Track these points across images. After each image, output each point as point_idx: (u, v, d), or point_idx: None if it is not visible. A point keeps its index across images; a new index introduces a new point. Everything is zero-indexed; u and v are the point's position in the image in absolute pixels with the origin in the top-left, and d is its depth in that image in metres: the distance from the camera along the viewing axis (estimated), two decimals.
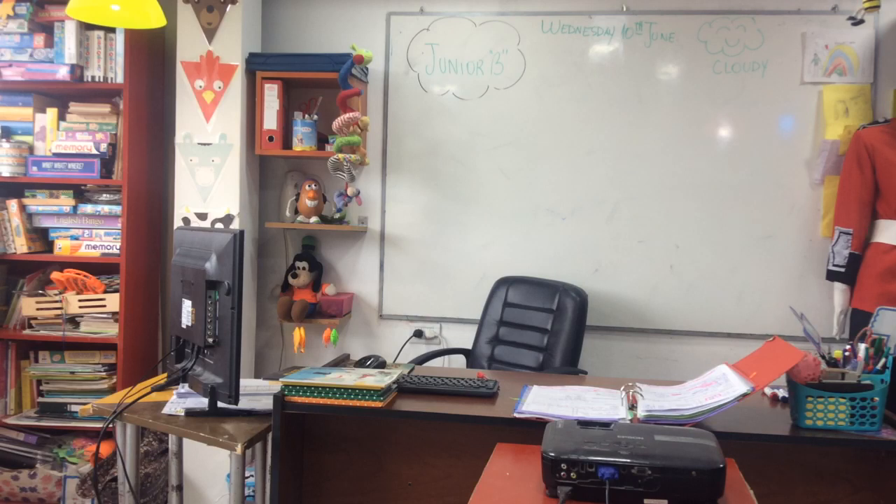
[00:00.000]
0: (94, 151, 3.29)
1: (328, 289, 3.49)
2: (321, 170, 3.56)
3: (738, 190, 3.34)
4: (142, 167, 3.42)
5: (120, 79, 3.28)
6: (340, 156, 3.17)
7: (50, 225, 3.37)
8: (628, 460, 1.33)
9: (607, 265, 3.43)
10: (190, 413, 2.11)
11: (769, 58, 3.30)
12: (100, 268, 3.41)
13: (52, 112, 3.35)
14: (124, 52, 3.27)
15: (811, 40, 3.27)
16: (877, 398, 1.83)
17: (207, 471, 3.32)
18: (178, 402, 2.20)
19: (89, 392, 3.32)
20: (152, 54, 3.49)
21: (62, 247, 3.35)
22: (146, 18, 2.55)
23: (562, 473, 1.35)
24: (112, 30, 3.28)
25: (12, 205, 3.32)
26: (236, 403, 2.02)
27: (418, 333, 3.56)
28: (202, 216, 3.33)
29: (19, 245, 3.32)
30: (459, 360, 3.46)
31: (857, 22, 3.01)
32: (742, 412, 1.97)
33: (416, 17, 3.51)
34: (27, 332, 3.31)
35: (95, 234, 3.35)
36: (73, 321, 3.32)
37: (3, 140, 3.32)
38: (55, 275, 3.29)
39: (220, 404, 2.09)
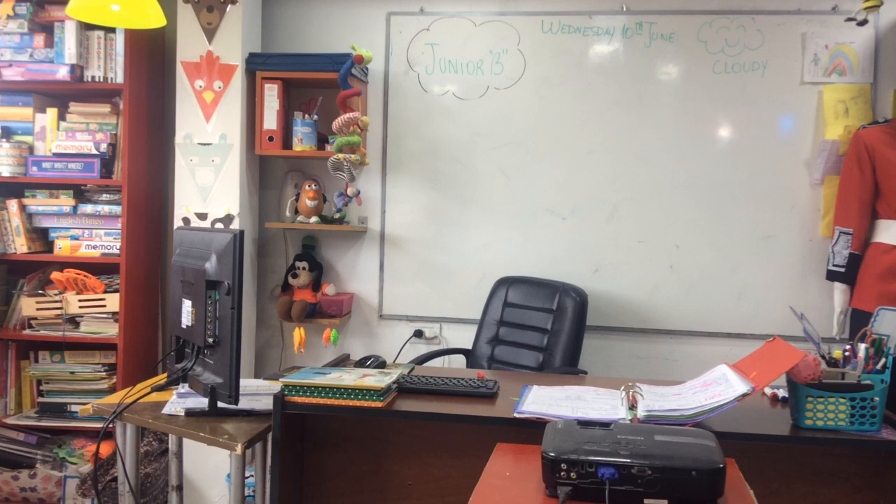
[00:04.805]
0: (94, 151, 3.29)
1: (328, 289, 3.49)
2: (321, 170, 3.56)
3: (738, 190, 3.34)
4: (142, 167, 3.42)
5: (120, 79, 3.28)
6: (340, 156, 3.17)
7: (50, 225, 3.37)
8: (628, 460, 1.33)
9: (607, 265, 3.43)
10: (190, 413, 2.11)
11: (769, 58, 3.30)
12: (100, 268, 3.42)
13: (52, 112, 3.35)
14: (124, 52, 3.27)
15: (811, 40, 3.27)
16: (877, 398, 1.83)
17: (207, 471, 3.32)
18: (178, 402, 2.20)
19: (89, 392, 3.32)
20: (152, 54, 3.48)
21: (62, 247, 3.35)
22: (146, 18, 2.55)
23: (562, 473, 1.35)
24: (112, 30, 3.28)
25: (12, 205, 3.32)
26: (236, 403, 2.02)
27: (418, 333, 3.56)
28: (202, 216, 3.33)
29: (19, 245, 3.32)
30: (459, 360, 3.45)
31: (861, 22, 3.02)
32: (742, 412, 1.97)
33: (416, 17, 3.51)
34: (27, 332, 3.31)
35: (95, 234, 3.35)
36: (73, 321, 3.32)
37: (3, 140, 3.32)
38: (55, 275, 3.29)
39: (220, 404, 2.09)
